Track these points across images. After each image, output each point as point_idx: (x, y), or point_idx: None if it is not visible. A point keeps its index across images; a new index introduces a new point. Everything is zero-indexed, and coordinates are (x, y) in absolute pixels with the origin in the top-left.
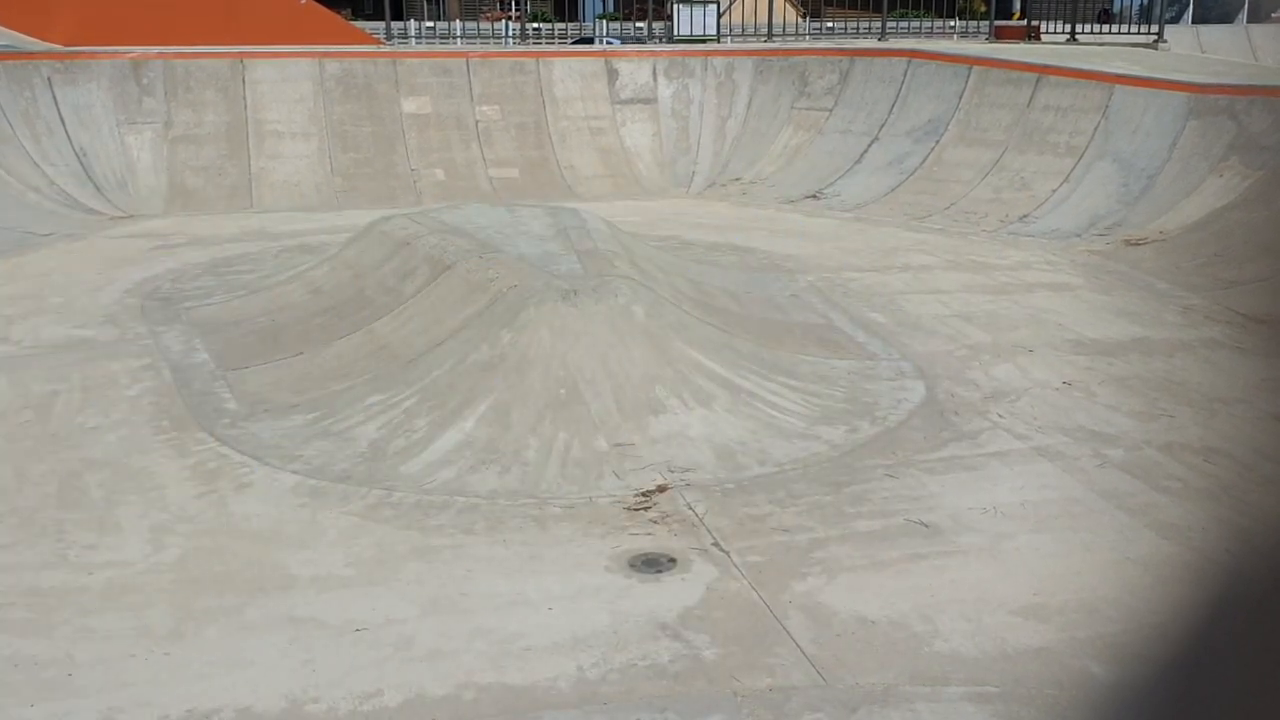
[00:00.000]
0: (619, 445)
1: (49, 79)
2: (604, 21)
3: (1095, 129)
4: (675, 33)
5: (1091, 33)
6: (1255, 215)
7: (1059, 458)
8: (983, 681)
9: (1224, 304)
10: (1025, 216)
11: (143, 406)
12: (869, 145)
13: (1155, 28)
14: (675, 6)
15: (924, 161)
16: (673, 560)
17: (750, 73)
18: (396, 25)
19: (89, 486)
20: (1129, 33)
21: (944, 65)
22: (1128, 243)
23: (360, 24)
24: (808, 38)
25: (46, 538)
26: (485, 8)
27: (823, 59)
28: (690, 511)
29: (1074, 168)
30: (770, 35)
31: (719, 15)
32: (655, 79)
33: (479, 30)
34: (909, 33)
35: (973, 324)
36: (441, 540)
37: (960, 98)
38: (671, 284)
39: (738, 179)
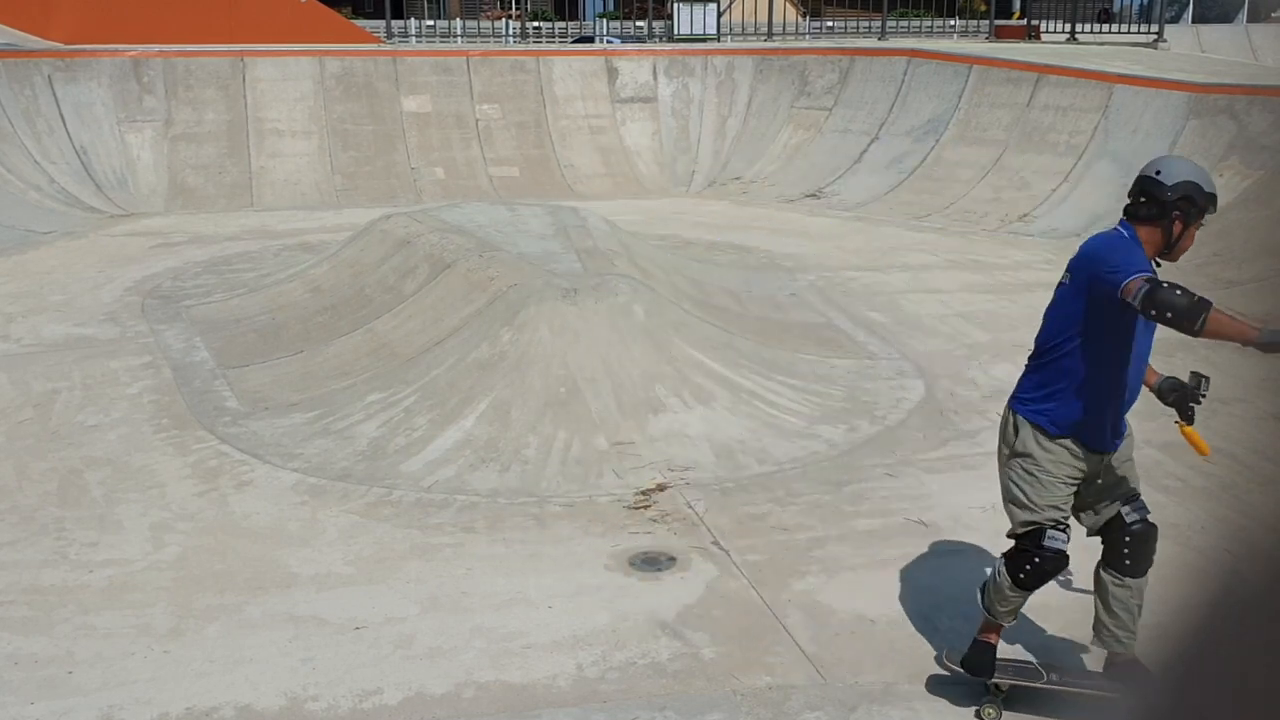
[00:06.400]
0: (619, 444)
1: (50, 77)
2: (604, 20)
3: (1095, 128)
4: (675, 32)
5: (1091, 32)
6: (1255, 215)
7: None
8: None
9: (1224, 304)
10: (1025, 216)
11: (143, 404)
12: (869, 144)
13: (1155, 27)
14: (675, 5)
15: (924, 161)
16: (672, 559)
17: (750, 72)
18: (397, 24)
19: (89, 484)
20: (1129, 32)
21: (944, 64)
22: None
23: (361, 23)
24: (808, 37)
25: (47, 536)
26: (485, 6)
27: (823, 58)
28: (690, 510)
29: (1074, 167)
30: (770, 34)
31: (719, 14)
32: (655, 78)
33: (479, 29)
34: (909, 32)
35: (972, 323)
36: (441, 539)
37: (960, 97)
38: (671, 283)
39: (738, 178)
